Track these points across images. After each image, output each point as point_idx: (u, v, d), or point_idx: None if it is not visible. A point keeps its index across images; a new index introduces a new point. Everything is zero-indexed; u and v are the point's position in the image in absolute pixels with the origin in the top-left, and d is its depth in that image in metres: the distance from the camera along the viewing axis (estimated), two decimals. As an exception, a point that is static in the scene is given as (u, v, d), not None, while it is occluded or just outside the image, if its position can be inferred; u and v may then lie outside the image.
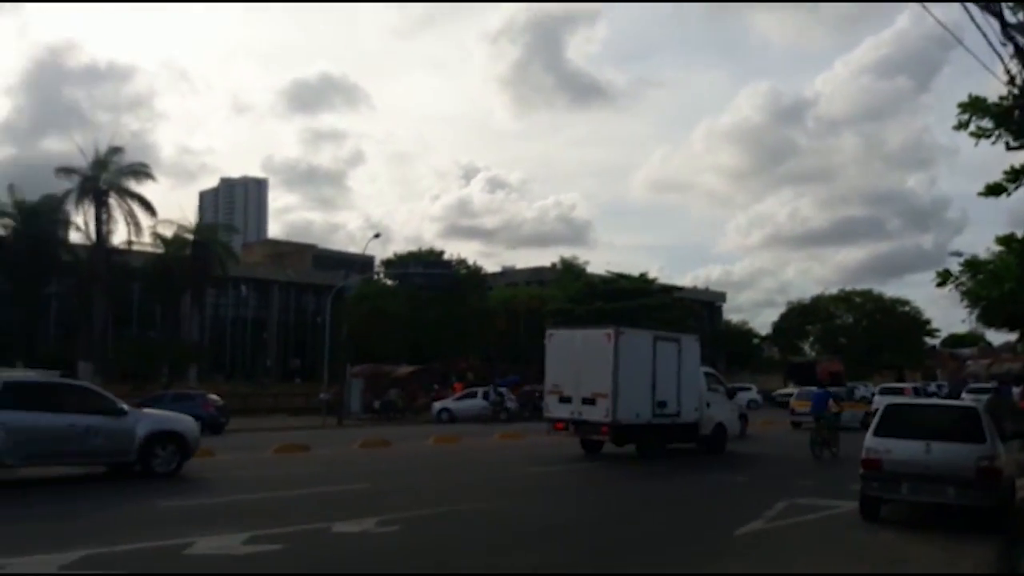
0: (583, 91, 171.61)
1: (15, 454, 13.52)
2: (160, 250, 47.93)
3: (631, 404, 18.94)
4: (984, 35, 9.24)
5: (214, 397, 31.36)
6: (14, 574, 7.76)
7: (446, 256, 61.59)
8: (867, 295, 77.11)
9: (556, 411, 19.83)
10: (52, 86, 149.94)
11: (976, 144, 11.64)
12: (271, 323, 60.85)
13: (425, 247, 64.74)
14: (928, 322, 76.89)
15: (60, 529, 10.21)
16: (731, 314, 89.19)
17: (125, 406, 15.11)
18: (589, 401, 18.91)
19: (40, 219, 43.08)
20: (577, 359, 19.34)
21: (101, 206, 43.22)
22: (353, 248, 75.80)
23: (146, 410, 16.17)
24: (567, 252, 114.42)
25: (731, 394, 23.94)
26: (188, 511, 11.57)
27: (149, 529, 9.93)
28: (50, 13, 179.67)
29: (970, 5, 8.97)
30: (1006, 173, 11.99)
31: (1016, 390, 24.62)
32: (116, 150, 44.34)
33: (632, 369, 19.02)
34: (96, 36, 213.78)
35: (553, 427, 20.21)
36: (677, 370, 20.20)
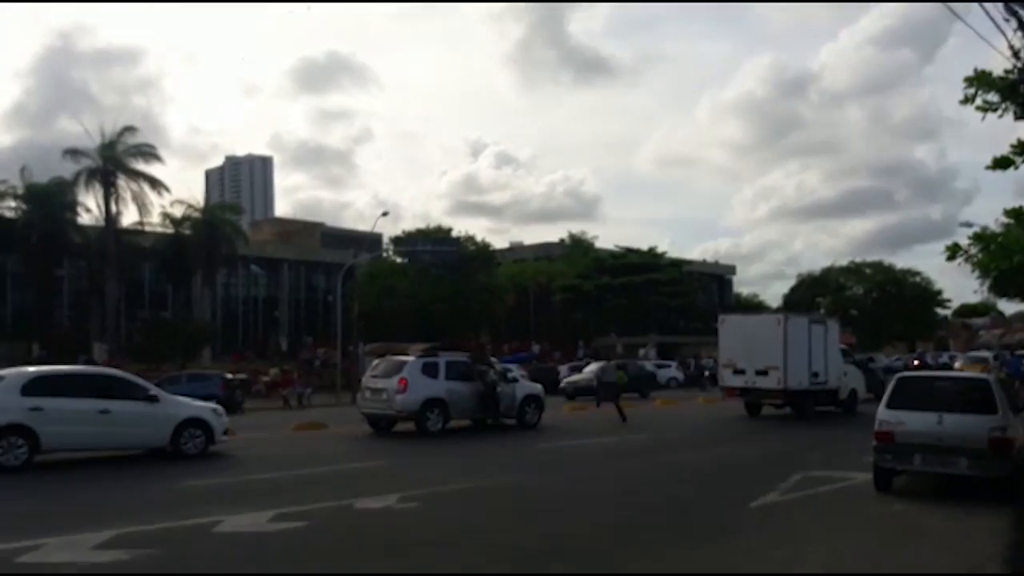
0: (587, 66, 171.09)
1: (54, 440, 13.90)
2: (170, 230, 48.10)
3: (796, 374, 22.98)
4: (986, 12, 9.23)
5: (230, 376, 31.61)
6: (41, 563, 7.96)
7: (454, 233, 61.64)
8: (877, 266, 76.81)
9: (731, 381, 24.20)
10: (62, 69, 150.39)
11: (983, 118, 11.63)
12: (282, 302, 61.08)
13: (433, 224, 64.83)
14: (939, 293, 76.62)
15: (93, 509, 10.48)
16: (741, 287, 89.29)
17: (157, 392, 15.48)
18: (762, 372, 23.05)
19: (51, 201, 43.14)
20: (750, 339, 23.50)
21: (110, 187, 43.28)
22: (362, 226, 76.16)
23: (175, 397, 16.48)
24: (576, 227, 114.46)
25: (859, 365, 27.94)
26: (215, 490, 11.84)
27: (179, 508, 10.16)
28: None
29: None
30: (1013, 146, 11.99)
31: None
32: (125, 130, 44.25)
33: (795, 346, 23.03)
34: (106, 19, 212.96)
35: (726, 394, 24.99)
36: (824, 346, 24.14)
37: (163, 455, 15.20)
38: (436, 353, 20.70)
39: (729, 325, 24.92)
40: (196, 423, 15.51)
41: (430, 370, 19.66)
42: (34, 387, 14.01)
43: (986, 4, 9.25)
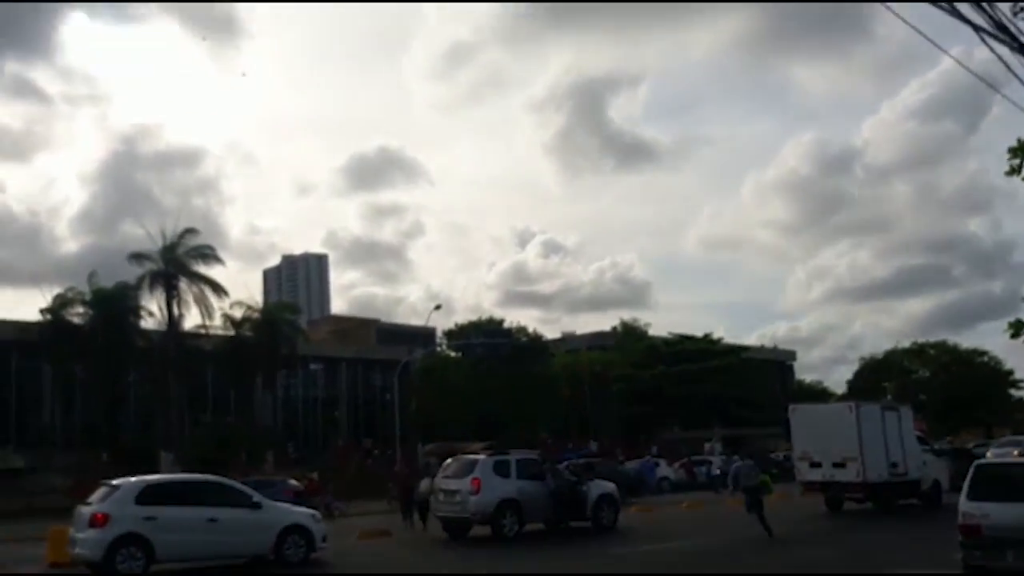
0: (629, 151, 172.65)
1: (167, 550, 14.08)
2: (231, 332, 48.63)
3: (875, 465, 22.06)
4: (1022, 82, 9.13)
5: (294, 483, 31.55)
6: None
7: (506, 324, 61.79)
8: (941, 347, 74.53)
9: (808, 475, 23.11)
10: (126, 173, 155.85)
11: (1032, 186, 11.43)
12: (340, 401, 61.35)
13: (485, 316, 65.09)
14: (1011, 372, 73.83)
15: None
16: (803, 373, 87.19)
17: (260, 500, 15.56)
18: (839, 465, 22.07)
19: (115, 306, 43.90)
20: (823, 429, 22.74)
21: (172, 290, 43.71)
22: (416, 320, 76.97)
23: (277, 504, 16.60)
24: (627, 315, 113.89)
25: (938, 454, 26.56)
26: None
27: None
28: (124, 101, 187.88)
29: (1005, 51, 8.89)
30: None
31: None
32: (186, 232, 44.78)
33: (870, 435, 22.24)
34: (165, 121, 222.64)
35: (804, 489, 23.78)
36: (899, 434, 23.30)
37: (266, 562, 15.22)
38: (507, 451, 20.36)
39: (800, 415, 24.20)
40: (298, 530, 15.52)
41: (502, 469, 19.20)
42: (148, 496, 14.32)
43: (1020, 74, 9.18)
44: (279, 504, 16.49)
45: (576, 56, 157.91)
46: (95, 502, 14.36)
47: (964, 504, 10.96)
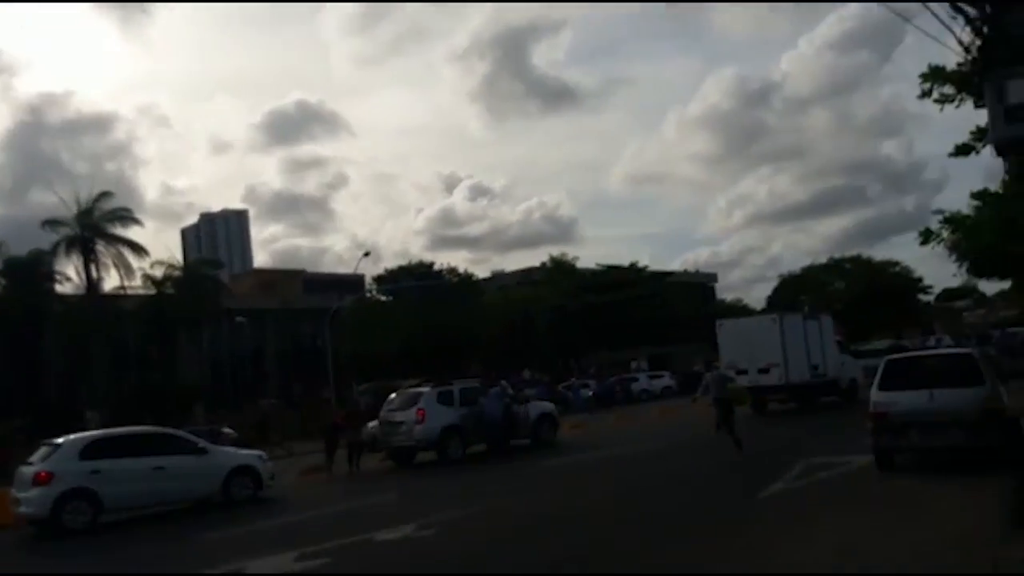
0: (553, 95, 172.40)
1: (115, 501, 14.23)
2: (152, 291, 48.01)
3: (797, 369, 23.87)
4: (933, 13, 9.74)
5: (228, 431, 31.55)
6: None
7: (436, 267, 61.86)
8: (856, 260, 77.73)
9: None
10: (33, 142, 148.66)
11: (941, 109, 12.18)
12: (269, 352, 60.95)
13: (414, 261, 65.04)
14: (920, 279, 77.49)
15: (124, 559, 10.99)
16: (724, 293, 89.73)
17: (205, 445, 15.83)
18: (764, 371, 23.73)
19: (30, 273, 43.08)
20: (749, 340, 24.25)
21: (89, 254, 43.20)
22: (343, 269, 76.08)
23: (222, 448, 16.95)
24: (555, 251, 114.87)
25: (855, 355, 28.74)
26: (238, 538, 12.06)
27: (213, 557, 10.42)
28: (31, 73, 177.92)
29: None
30: (972, 133, 12.51)
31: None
32: (101, 196, 44.14)
33: (793, 342, 23.98)
34: (74, 88, 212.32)
35: None
36: (820, 340, 25.09)
37: (215, 503, 15.49)
38: (450, 381, 20.93)
39: (727, 329, 25.66)
40: (245, 471, 15.85)
41: (445, 399, 19.96)
42: (92, 451, 14.38)
43: (933, 5, 9.75)
44: (226, 448, 16.85)
45: (497, 7, 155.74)
46: (36, 461, 14.36)
47: (875, 394, 11.85)
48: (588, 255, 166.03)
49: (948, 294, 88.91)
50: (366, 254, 58.15)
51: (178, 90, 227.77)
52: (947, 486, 10.47)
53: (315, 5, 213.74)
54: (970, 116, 12.37)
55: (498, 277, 75.01)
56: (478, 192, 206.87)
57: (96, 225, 43.48)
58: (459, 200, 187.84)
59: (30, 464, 14.42)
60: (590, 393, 42.68)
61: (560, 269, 71.79)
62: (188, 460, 15.18)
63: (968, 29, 10.06)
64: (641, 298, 63.64)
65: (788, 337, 24.01)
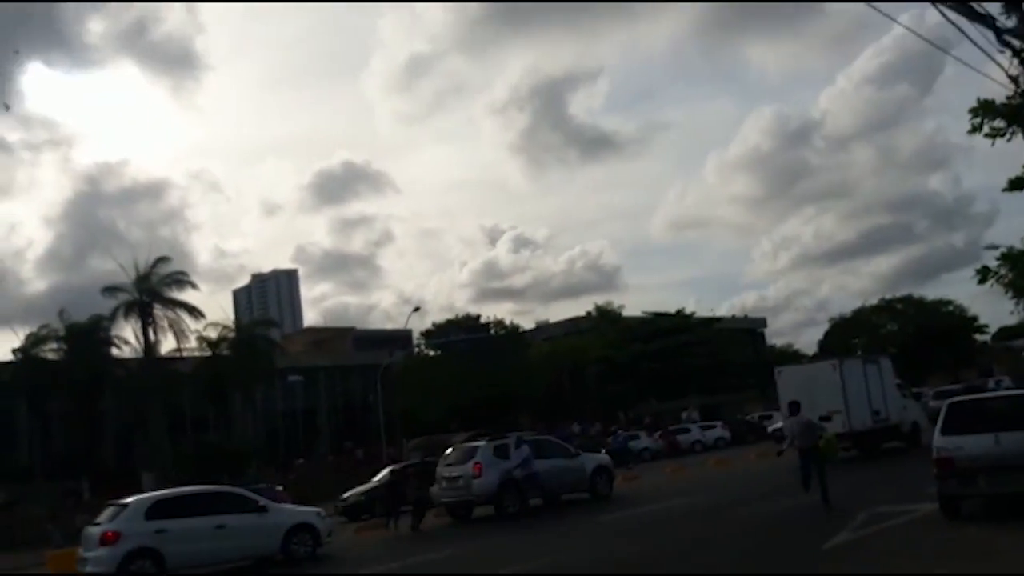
0: (592, 143, 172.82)
1: (178, 559, 14.51)
2: (207, 353, 48.84)
3: (859, 415, 23.32)
4: (976, 44, 9.72)
5: (279, 488, 31.81)
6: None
7: (482, 320, 62.13)
8: (908, 301, 76.31)
9: None
10: (90, 211, 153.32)
11: (993, 144, 12.08)
12: (321, 410, 61.47)
13: (460, 314, 65.39)
14: (975, 318, 75.75)
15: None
16: (774, 338, 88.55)
17: (266, 503, 16.07)
18: (825, 418, 21.91)
19: (89, 338, 44.19)
20: (808, 387, 22.89)
21: (147, 318, 43.98)
22: (391, 325, 76.83)
23: (281, 505, 17.17)
24: (600, 299, 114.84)
25: (916, 398, 28.18)
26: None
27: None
28: (86, 143, 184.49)
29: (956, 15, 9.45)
30: (1024, 166, 12.38)
31: None
32: (159, 261, 45.12)
33: (854, 388, 23.54)
34: (128, 158, 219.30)
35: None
36: (880, 383, 24.68)
37: (275, 561, 15.72)
38: (505, 435, 21.00)
39: (786, 376, 25.03)
40: (304, 528, 16.03)
41: (502, 452, 19.92)
42: (157, 511, 14.76)
43: (974, 37, 9.75)
44: (285, 506, 17.03)
45: (534, 57, 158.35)
46: (104, 521, 14.72)
47: (938, 440, 11.57)
48: (633, 303, 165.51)
49: (1005, 332, 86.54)
50: (416, 309, 58.77)
51: (229, 154, 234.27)
52: (1018, 534, 10.18)
53: (357, 64, 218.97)
54: (1019, 149, 12.28)
55: (543, 328, 75.01)
56: (521, 243, 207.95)
57: (154, 290, 44.42)
58: (502, 252, 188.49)
59: (97, 524, 14.81)
60: (642, 447, 41.91)
61: (606, 318, 71.66)
62: (249, 518, 15.42)
63: (1015, 61, 10.06)
64: (689, 345, 63.12)
65: (849, 383, 23.57)
